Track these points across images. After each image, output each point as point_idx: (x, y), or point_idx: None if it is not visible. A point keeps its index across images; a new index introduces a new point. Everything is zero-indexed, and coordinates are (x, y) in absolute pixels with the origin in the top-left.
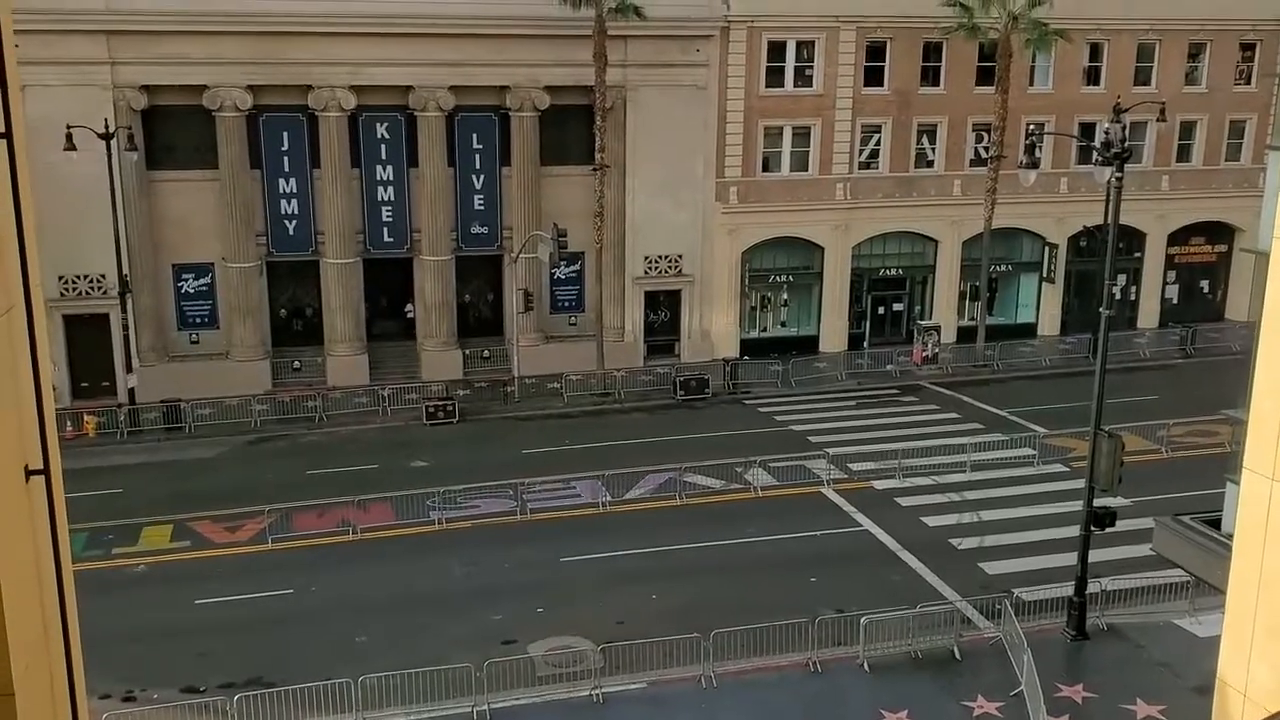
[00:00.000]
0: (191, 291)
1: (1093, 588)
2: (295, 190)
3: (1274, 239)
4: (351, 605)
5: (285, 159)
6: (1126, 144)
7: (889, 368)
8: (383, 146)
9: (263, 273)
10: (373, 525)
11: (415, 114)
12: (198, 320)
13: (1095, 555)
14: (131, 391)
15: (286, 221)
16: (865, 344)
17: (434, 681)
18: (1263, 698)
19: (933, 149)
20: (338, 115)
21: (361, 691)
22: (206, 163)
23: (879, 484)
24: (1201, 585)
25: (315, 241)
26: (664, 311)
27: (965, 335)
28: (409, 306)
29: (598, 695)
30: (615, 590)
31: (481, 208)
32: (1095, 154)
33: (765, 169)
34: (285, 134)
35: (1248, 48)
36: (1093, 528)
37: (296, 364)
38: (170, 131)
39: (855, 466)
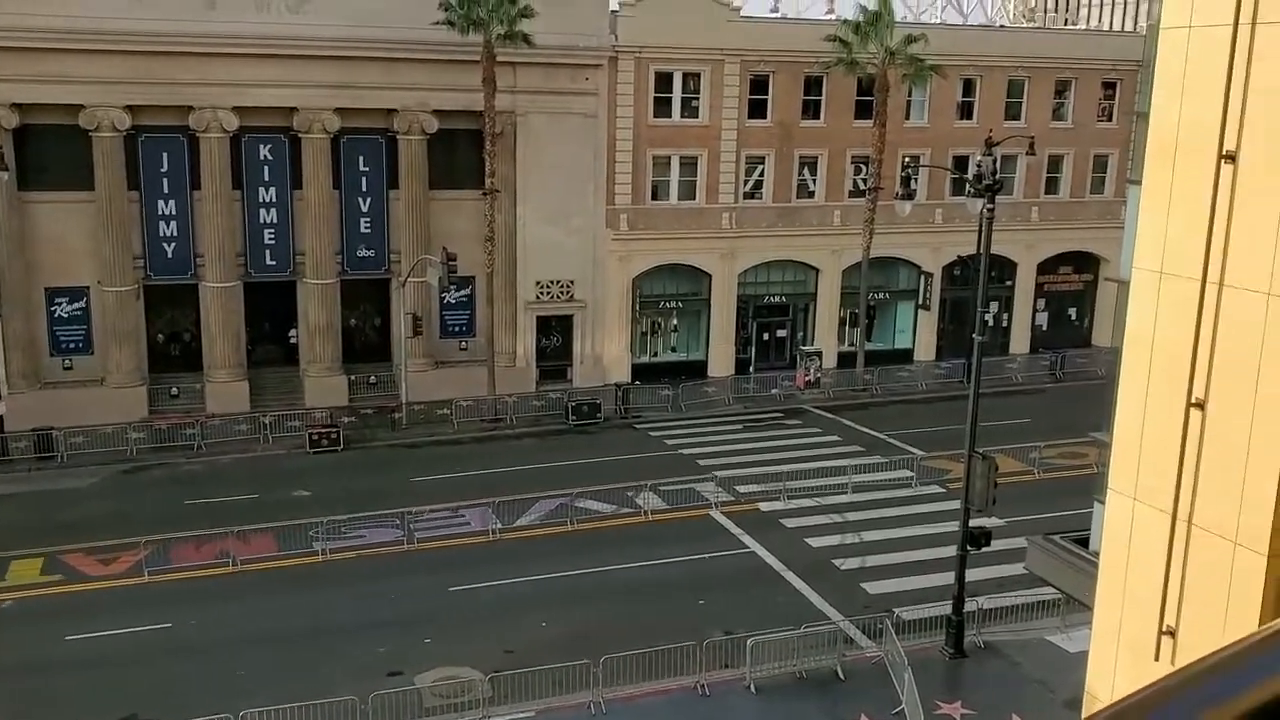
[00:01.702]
0: (65, 316)
1: (970, 606)
2: (175, 212)
3: (1133, 269)
4: (232, 639)
5: (164, 180)
6: (997, 176)
7: (774, 392)
8: (266, 168)
9: (140, 296)
10: (254, 557)
11: (300, 135)
12: (71, 345)
13: (972, 574)
14: (0, 419)
15: (165, 244)
16: (752, 369)
17: (316, 715)
18: None
19: (814, 180)
20: (219, 136)
21: None
22: (82, 183)
23: (765, 506)
24: (1072, 602)
25: (195, 265)
26: (556, 336)
27: (846, 360)
28: (292, 331)
29: None
30: (505, 619)
31: (368, 231)
32: (968, 186)
33: (654, 197)
34: (165, 155)
35: (1109, 86)
36: (969, 547)
37: (174, 390)
38: (44, 151)
39: (742, 489)
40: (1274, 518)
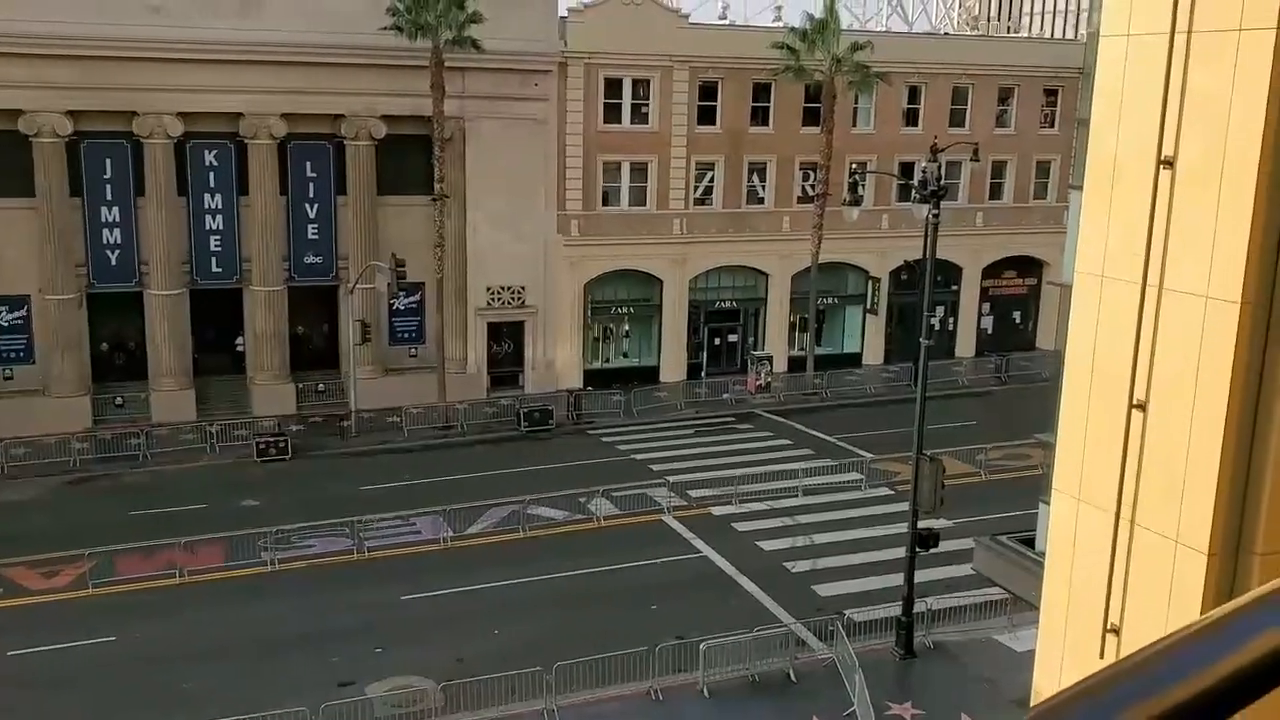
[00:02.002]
0: (5, 325)
1: (919, 607)
2: (118, 219)
3: (1075, 273)
4: (180, 651)
5: (108, 187)
6: (942, 182)
7: (725, 396)
8: (211, 174)
9: (83, 305)
10: (202, 568)
11: (246, 141)
12: (12, 355)
13: (921, 575)
14: None
15: (109, 252)
16: (703, 374)
17: None
18: None
19: (763, 186)
20: (164, 142)
21: None
22: (22, 190)
23: (717, 510)
24: (1019, 602)
25: (139, 272)
26: (507, 343)
27: (796, 365)
28: (239, 339)
29: None
30: (457, 627)
31: (315, 237)
32: (914, 192)
33: (605, 203)
34: (108, 161)
35: (1051, 93)
36: (917, 549)
37: (119, 400)
38: None
39: (695, 494)
40: (1213, 516)
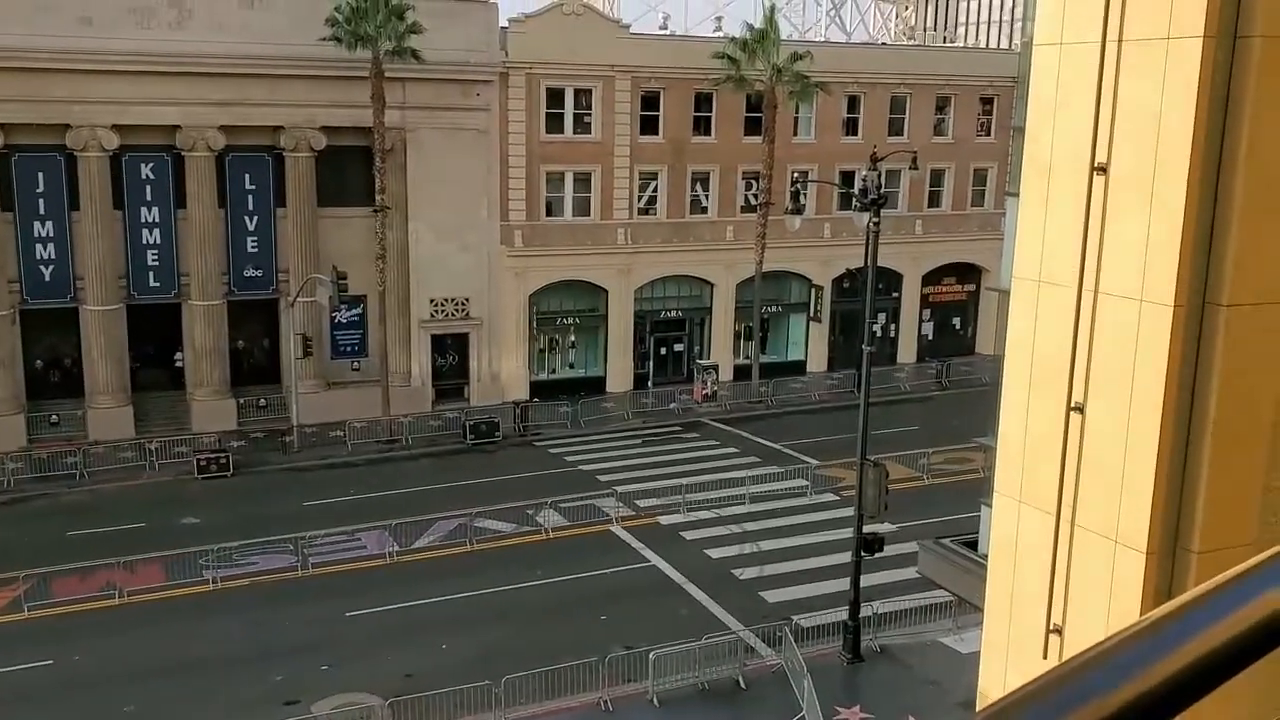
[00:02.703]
0: None
1: (865, 611)
2: (52, 234)
3: (1013, 279)
4: (119, 674)
5: (40, 201)
6: (882, 191)
7: (672, 406)
8: (148, 187)
9: (16, 321)
10: (141, 588)
11: (183, 154)
12: None
13: (866, 579)
14: None
15: (42, 267)
16: (649, 383)
17: None
18: None
19: (706, 195)
20: (99, 155)
21: None
22: None
23: (665, 519)
24: (963, 604)
25: (74, 288)
26: (452, 355)
27: (741, 373)
28: (178, 354)
29: None
30: (405, 642)
31: (255, 250)
32: (854, 200)
33: (549, 213)
34: (40, 174)
35: (987, 102)
36: (863, 553)
37: (54, 418)
38: None
39: (642, 503)
40: (1151, 516)
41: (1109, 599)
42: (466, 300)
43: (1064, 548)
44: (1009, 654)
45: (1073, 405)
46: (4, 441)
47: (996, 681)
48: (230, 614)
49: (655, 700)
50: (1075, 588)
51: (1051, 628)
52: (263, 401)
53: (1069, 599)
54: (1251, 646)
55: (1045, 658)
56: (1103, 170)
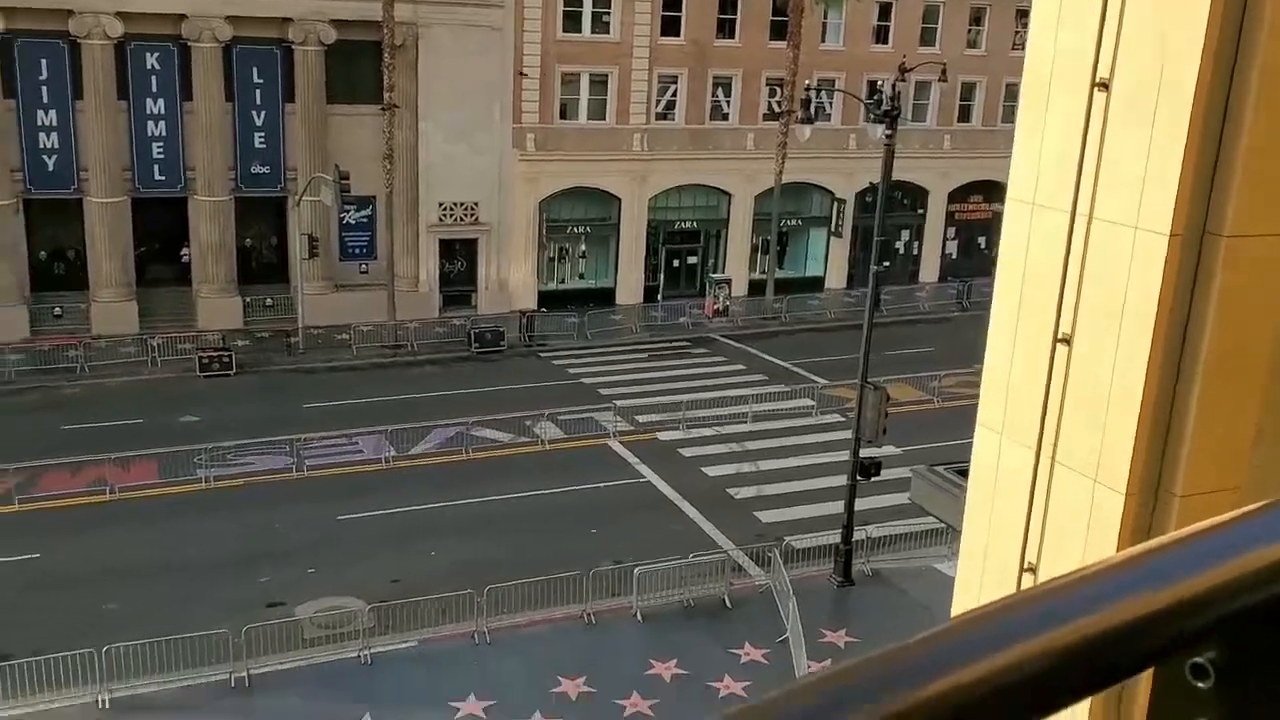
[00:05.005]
0: None
1: (859, 535)
2: (55, 123)
3: (1007, 200)
4: (104, 570)
5: (44, 89)
6: (910, 103)
7: (682, 320)
8: (153, 78)
9: (19, 211)
10: (133, 484)
11: (189, 44)
12: None
13: (865, 503)
14: None
15: (45, 156)
16: (660, 297)
17: (187, 649)
18: None
19: (728, 102)
20: (102, 43)
21: (106, 662)
22: None
23: (664, 435)
24: (957, 531)
25: (78, 178)
26: (460, 261)
27: (757, 288)
28: (185, 250)
29: (365, 656)
30: (393, 548)
31: (263, 146)
32: (868, 111)
33: (563, 116)
34: (43, 61)
35: (1023, 14)
36: (858, 477)
37: (58, 310)
38: None
39: (642, 419)
40: (1133, 456)
41: (1085, 540)
42: (476, 205)
43: (1042, 485)
44: (982, 590)
45: (1059, 337)
46: (6, 333)
47: None
48: (221, 514)
49: (639, 615)
50: (1052, 527)
51: (1026, 566)
52: (270, 301)
53: (1045, 538)
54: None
55: None
56: (1104, 87)
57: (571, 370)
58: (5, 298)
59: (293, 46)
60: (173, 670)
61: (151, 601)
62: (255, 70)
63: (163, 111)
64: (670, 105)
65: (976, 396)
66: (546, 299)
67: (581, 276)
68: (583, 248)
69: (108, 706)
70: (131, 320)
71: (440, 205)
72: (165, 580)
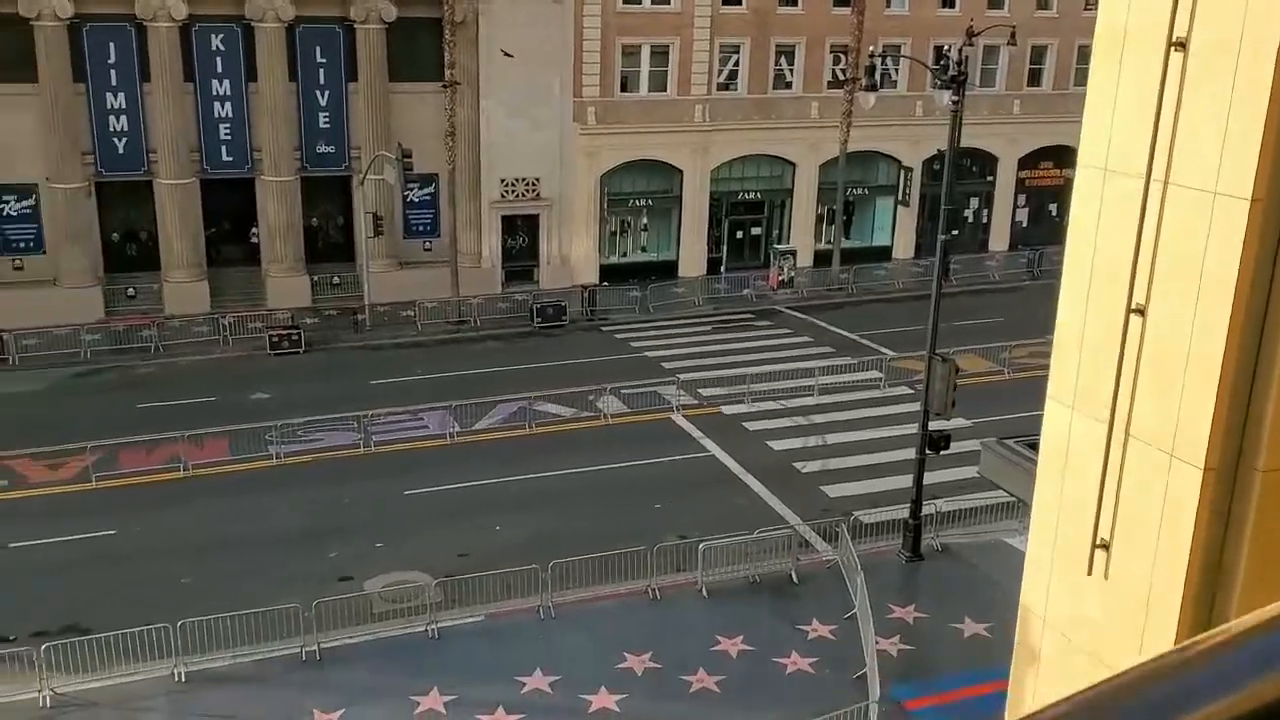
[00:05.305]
0: (14, 214)
1: (928, 509)
2: (124, 106)
3: (1078, 166)
4: (179, 545)
5: (112, 72)
6: (976, 68)
7: (746, 292)
8: (218, 59)
9: (91, 194)
10: (206, 461)
11: (253, 24)
12: (21, 245)
13: (934, 476)
14: None
15: (115, 139)
16: (723, 268)
17: (259, 623)
18: (1060, 624)
19: (791, 70)
20: (168, 25)
21: (181, 636)
22: (24, 75)
23: (728, 409)
24: (1028, 506)
25: (148, 160)
26: (522, 236)
27: (822, 259)
28: (253, 230)
29: (433, 630)
30: (459, 523)
31: (327, 125)
32: (933, 77)
33: (624, 89)
34: (111, 44)
35: None
36: (927, 450)
37: (131, 291)
38: None
39: (706, 392)
40: (1212, 429)
41: (1160, 517)
42: (537, 180)
43: (1115, 459)
44: (1053, 568)
45: (1133, 307)
46: (82, 313)
47: (1040, 597)
48: (291, 490)
49: (705, 591)
50: (1126, 503)
51: (1099, 543)
52: (337, 279)
53: (1118, 514)
54: None
55: (1090, 574)
56: (1181, 45)
57: (634, 344)
58: (80, 279)
59: (354, 25)
60: (245, 644)
61: (224, 576)
62: (318, 49)
63: (228, 92)
64: (732, 75)
65: (1047, 368)
66: (608, 273)
67: (643, 250)
68: (644, 220)
69: (184, 680)
70: (203, 300)
71: (502, 181)
72: (237, 555)
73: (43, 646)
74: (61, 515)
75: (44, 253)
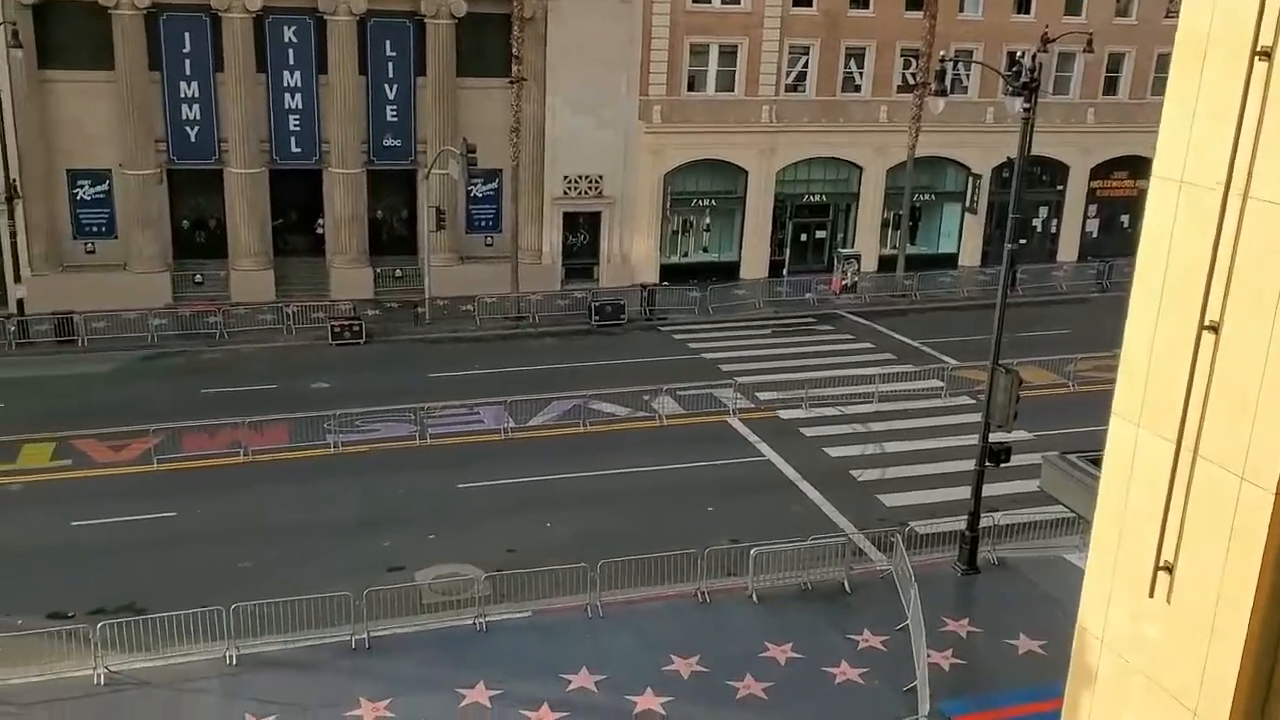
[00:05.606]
0: (88, 199)
1: (986, 521)
2: (197, 95)
3: (1152, 177)
4: (237, 530)
5: (186, 61)
6: (1050, 75)
7: (808, 296)
8: (290, 51)
9: (163, 181)
10: (265, 447)
11: (325, 18)
12: (94, 229)
13: (993, 489)
14: (20, 302)
15: (188, 128)
16: (786, 271)
17: (311, 609)
18: (1118, 644)
19: (860, 73)
20: (242, 17)
21: (235, 619)
22: (102, 63)
23: (785, 414)
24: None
25: (219, 149)
26: (583, 234)
27: (886, 264)
28: (319, 221)
29: (481, 624)
30: (511, 518)
31: (395, 119)
32: (1004, 84)
33: (690, 88)
34: (186, 34)
35: None
36: (987, 462)
37: (199, 278)
38: (63, 29)
39: (763, 396)
40: None
41: (1228, 539)
42: (600, 178)
43: (1182, 479)
44: (1113, 588)
45: (1206, 323)
46: (151, 298)
47: (1099, 617)
48: (347, 478)
49: (755, 596)
50: (1191, 525)
51: (1161, 565)
52: (399, 272)
53: (1183, 536)
54: None
55: (1152, 596)
56: (1266, 55)
57: (692, 345)
58: (150, 265)
59: (425, 20)
60: (298, 629)
61: (279, 561)
62: (388, 44)
63: (299, 84)
64: (801, 76)
65: (1113, 382)
66: (668, 272)
67: (705, 250)
68: (707, 221)
69: (235, 662)
70: (268, 288)
71: (565, 178)
72: (293, 541)
73: (99, 625)
74: (123, 496)
75: (115, 237)
